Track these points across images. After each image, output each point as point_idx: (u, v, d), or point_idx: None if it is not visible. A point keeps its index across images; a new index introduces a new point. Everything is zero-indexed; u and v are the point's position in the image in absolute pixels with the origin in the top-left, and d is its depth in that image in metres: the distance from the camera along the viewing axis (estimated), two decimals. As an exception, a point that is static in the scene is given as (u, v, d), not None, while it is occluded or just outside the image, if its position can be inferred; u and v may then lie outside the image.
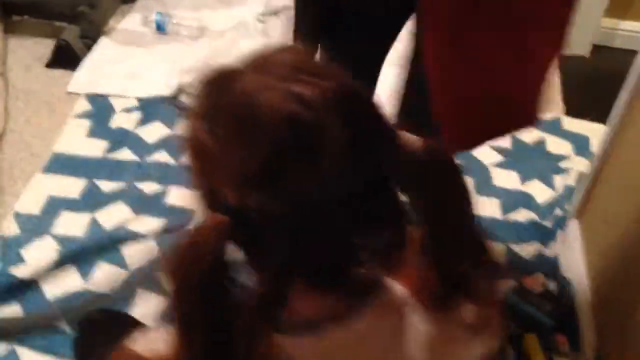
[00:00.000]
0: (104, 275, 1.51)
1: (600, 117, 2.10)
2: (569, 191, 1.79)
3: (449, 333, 0.63)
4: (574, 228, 1.64)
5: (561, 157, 1.96)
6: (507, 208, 1.77)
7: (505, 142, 1.98)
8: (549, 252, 1.64)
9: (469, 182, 1.72)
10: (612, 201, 1.48)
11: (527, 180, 1.87)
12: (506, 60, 1.07)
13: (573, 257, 1.59)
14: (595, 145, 1.99)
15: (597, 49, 2.44)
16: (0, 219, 1.68)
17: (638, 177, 1.34)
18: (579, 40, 2.39)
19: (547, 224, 1.71)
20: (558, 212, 1.73)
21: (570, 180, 1.85)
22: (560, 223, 1.69)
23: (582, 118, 2.12)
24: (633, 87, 1.40)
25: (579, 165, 1.92)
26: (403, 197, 0.60)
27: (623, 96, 1.45)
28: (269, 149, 0.52)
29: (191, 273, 0.54)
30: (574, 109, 2.16)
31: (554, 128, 2.06)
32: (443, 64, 1.07)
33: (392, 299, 0.62)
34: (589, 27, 2.37)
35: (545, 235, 1.69)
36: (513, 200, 1.80)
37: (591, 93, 2.26)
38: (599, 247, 1.50)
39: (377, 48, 1.22)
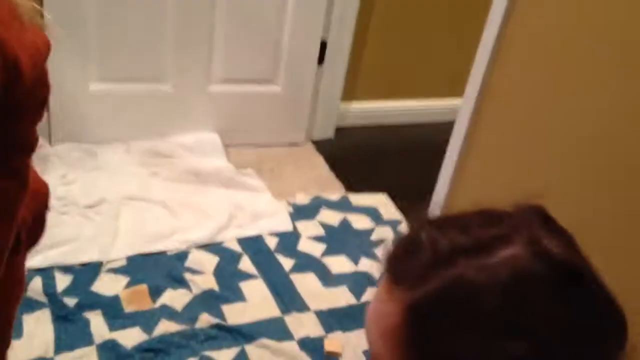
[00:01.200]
0: None
1: (368, 187, 2.38)
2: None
3: None
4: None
5: (370, 230, 2.12)
6: (357, 291, 1.84)
7: (320, 229, 2.06)
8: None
9: (313, 278, 1.82)
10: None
11: (357, 259, 1.97)
12: None
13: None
14: (384, 212, 2.23)
15: (337, 130, 2.72)
16: None
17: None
18: (325, 125, 2.64)
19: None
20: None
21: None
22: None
23: (354, 192, 2.33)
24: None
25: (383, 233, 2.10)
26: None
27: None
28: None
29: None
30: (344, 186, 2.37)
31: (347, 207, 2.22)
32: None
33: None
34: (331, 113, 2.63)
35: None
36: (357, 282, 1.87)
37: (347, 168, 2.50)
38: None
39: None
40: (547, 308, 0.50)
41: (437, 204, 1.81)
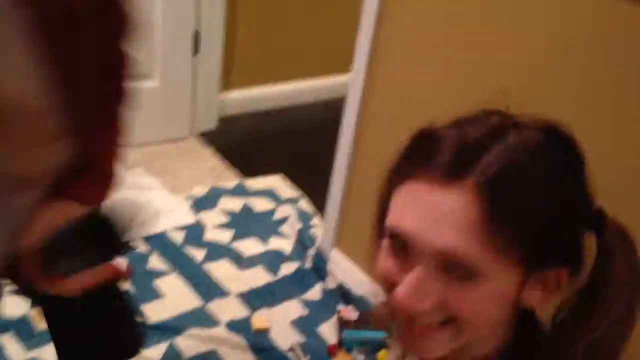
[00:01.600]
0: None
1: (260, 172, 2.40)
2: (306, 232, 2.00)
3: None
4: (338, 257, 1.85)
5: (272, 211, 2.14)
6: (273, 269, 1.86)
7: (224, 217, 2.05)
8: (330, 284, 1.80)
9: (226, 264, 1.82)
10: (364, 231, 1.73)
11: (266, 240, 1.99)
12: None
13: (353, 278, 1.78)
14: (282, 192, 2.26)
15: (221, 119, 2.71)
16: None
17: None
18: (208, 116, 2.62)
19: (308, 264, 1.87)
20: (311, 252, 1.91)
21: (296, 224, 2.04)
22: (322, 257, 1.88)
23: (248, 177, 2.34)
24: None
25: (285, 211, 2.14)
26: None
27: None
28: None
29: None
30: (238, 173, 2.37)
31: (245, 192, 2.23)
32: None
33: None
34: (212, 103, 2.61)
35: (318, 272, 1.84)
36: (270, 260, 1.90)
37: (237, 156, 2.50)
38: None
39: None
40: (564, 160, 0.62)
41: (338, 177, 1.86)
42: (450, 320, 0.59)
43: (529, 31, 1.29)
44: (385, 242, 0.62)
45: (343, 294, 1.77)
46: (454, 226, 0.56)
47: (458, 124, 0.62)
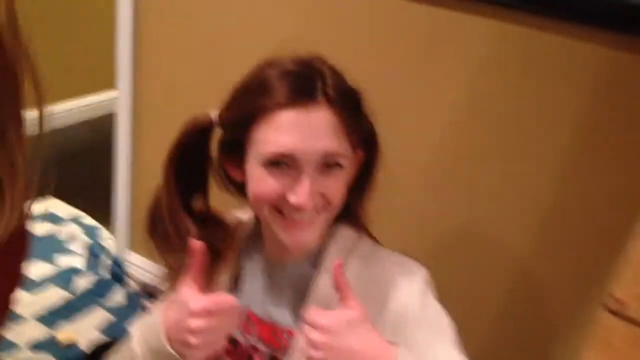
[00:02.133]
0: None
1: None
2: (95, 244, 1.97)
3: None
4: (136, 259, 1.84)
5: (54, 232, 2.04)
6: (66, 286, 1.79)
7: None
8: (132, 286, 1.79)
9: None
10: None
11: (54, 260, 1.90)
12: None
13: (155, 275, 1.79)
14: (59, 212, 2.17)
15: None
16: None
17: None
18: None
19: (106, 274, 1.84)
20: (105, 261, 1.87)
21: (83, 239, 1.98)
22: (118, 264, 1.88)
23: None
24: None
25: (68, 230, 2.06)
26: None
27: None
28: None
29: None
30: None
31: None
32: None
33: None
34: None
35: (117, 278, 1.82)
36: (62, 278, 1.82)
37: None
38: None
39: None
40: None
41: (122, 183, 1.86)
42: (323, 208, 0.75)
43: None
44: (260, 171, 0.75)
45: (148, 292, 1.78)
46: (325, 133, 0.73)
47: (269, 65, 0.78)
